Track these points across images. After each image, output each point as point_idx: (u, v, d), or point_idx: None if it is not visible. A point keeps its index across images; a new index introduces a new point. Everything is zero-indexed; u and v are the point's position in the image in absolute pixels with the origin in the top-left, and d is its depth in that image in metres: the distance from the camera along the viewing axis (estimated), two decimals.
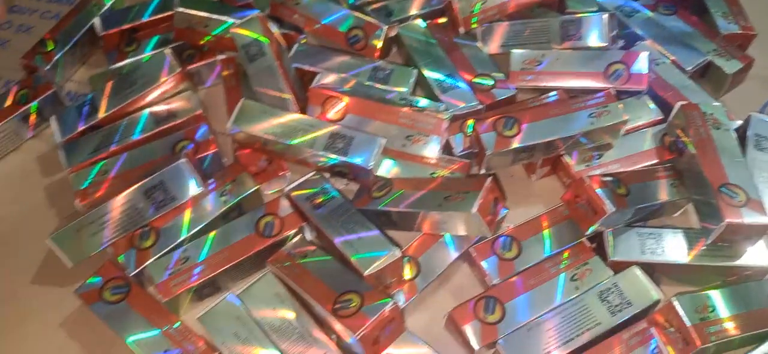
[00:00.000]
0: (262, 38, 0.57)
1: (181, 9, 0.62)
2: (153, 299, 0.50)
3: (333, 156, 0.53)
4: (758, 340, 0.46)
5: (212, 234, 0.52)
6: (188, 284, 0.50)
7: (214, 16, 0.63)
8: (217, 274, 0.51)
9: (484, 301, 0.49)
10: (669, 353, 0.46)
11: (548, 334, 0.47)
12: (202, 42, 0.64)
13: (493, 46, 0.63)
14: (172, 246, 0.52)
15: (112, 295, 0.50)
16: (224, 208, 0.53)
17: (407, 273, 0.51)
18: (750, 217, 0.47)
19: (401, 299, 0.50)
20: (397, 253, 0.48)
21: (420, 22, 0.65)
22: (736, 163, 0.50)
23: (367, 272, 0.47)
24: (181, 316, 0.51)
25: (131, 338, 0.48)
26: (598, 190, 0.49)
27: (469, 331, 0.48)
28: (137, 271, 0.51)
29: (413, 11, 0.67)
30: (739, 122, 0.57)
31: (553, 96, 0.59)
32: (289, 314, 0.49)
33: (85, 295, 0.50)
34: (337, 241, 0.49)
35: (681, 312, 0.45)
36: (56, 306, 0.53)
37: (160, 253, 0.51)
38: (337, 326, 0.46)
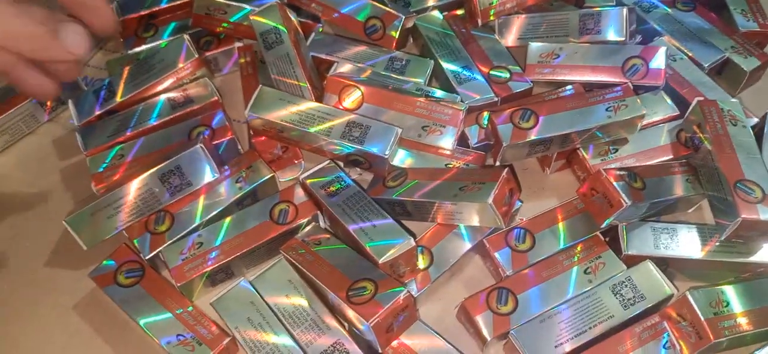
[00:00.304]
0: (280, 26, 0.58)
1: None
2: (167, 283, 0.51)
3: (349, 144, 0.53)
4: None
5: (228, 220, 0.53)
6: (202, 269, 0.50)
7: (233, 3, 0.63)
8: (231, 259, 0.51)
9: (497, 292, 0.49)
10: (681, 347, 0.46)
11: (560, 326, 0.47)
12: (219, 29, 0.65)
13: (510, 39, 0.63)
14: (187, 231, 0.52)
15: (126, 278, 0.50)
16: (239, 195, 0.54)
17: (421, 262, 0.51)
18: (766, 214, 0.47)
19: (414, 288, 0.50)
20: (412, 242, 0.48)
21: (437, 14, 0.65)
22: (753, 160, 0.50)
23: (381, 260, 0.47)
24: (194, 301, 0.52)
25: (144, 321, 0.48)
26: (615, 183, 0.49)
27: (482, 321, 0.48)
28: (152, 255, 0.51)
29: (431, 2, 0.67)
30: (756, 119, 0.57)
31: (570, 90, 0.59)
32: (302, 301, 0.49)
33: (99, 278, 0.50)
34: (352, 228, 0.50)
35: (695, 306, 0.45)
36: (70, 289, 0.53)
37: (175, 238, 0.52)
38: (350, 313, 0.46)
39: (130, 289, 0.50)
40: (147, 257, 0.51)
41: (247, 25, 0.62)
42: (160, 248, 0.51)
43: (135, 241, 0.52)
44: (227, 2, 0.63)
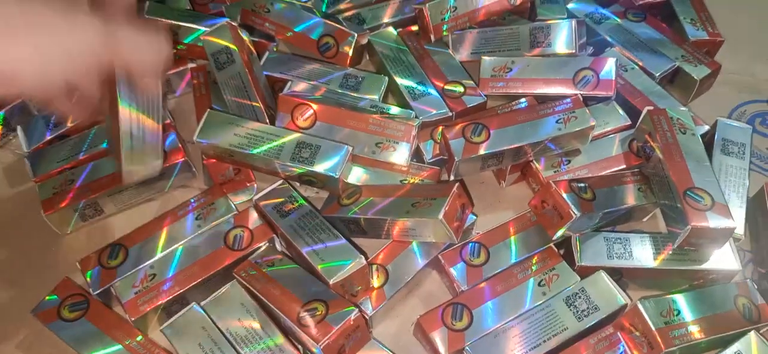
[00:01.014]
0: (232, 46, 0.57)
1: (149, 17, 0.62)
2: (114, 314, 0.50)
3: (299, 166, 0.53)
4: (723, 344, 0.46)
5: (179, 248, 0.52)
6: (156, 302, 0.49)
7: (184, 24, 0.62)
8: (185, 290, 0.50)
9: (452, 307, 0.49)
10: None
11: (515, 340, 0.47)
12: (176, 51, 0.64)
13: (464, 54, 0.63)
14: (142, 266, 0.51)
15: (70, 312, 0.49)
16: (197, 233, 0.53)
17: (375, 281, 0.50)
18: (715, 221, 0.47)
19: (369, 307, 0.49)
20: (363, 261, 0.47)
21: (392, 30, 0.65)
22: (702, 168, 0.50)
23: (332, 281, 0.47)
24: (150, 333, 0.50)
25: None
26: (564, 195, 0.49)
27: (437, 338, 0.48)
28: (101, 290, 0.50)
29: (385, 19, 0.67)
30: (707, 127, 0.57)
31: (524, 103, 0.59)
32: (255, 324, 0.48)
33: (42, 315, 0.49)
34: (304, 250, 0.49)
35: (646, 315, 0.45)
36: (13, 327, 0.51)
37: (128, 273, 0.51)
38: (302, 335, 0.45)
39: (76, 323, 0.48)
40: (96, 292, 0.50)
41: (201, 47, 0.62)
42: (111, 283, 0.50)
43: (87, 274, 0.51)
44: (178, 23, 0.62)
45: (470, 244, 0.52)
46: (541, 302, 0.49)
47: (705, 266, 0.50)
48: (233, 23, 0.60)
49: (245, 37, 0.60)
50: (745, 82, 0.65)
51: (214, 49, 0.58)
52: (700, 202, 0.48)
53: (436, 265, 0.53)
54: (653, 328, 0.45)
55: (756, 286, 0.49)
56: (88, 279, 0.50)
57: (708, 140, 0.57)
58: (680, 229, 0.48)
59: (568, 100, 0.54)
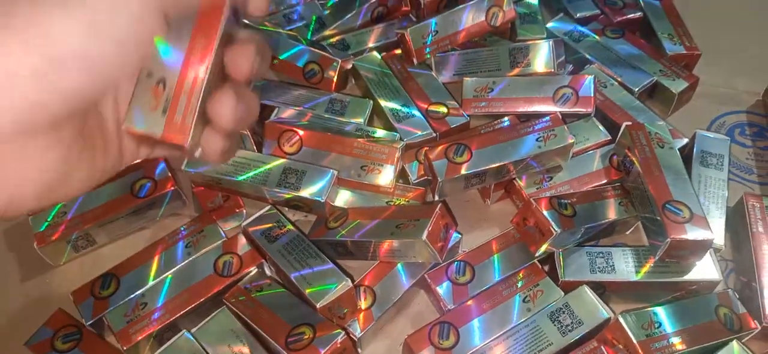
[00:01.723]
0: None
1: None
2: (106, 344, 0.50)
3: (286, 192, 0.54)
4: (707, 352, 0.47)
5: (169, 276, 0.53)
6: (148, 330, 0.50)
7: None
8: (176, 318, 0.51)
9: (439, 326, 0.50)
10: None
11: None
12: None
13: (446, 75, 0.65)
14: (133, 295, 0.52)
15: (63, 343, 0.50)
16: (188, 261, 0.54)
17: (363, 302, 0.51)
18: (693, 233, 0.48)
19: (357, 329, 0.50)
20: (349, 284, 0.48)
21: (376, 54, 0.67)
22: (680, 181, 0.51)
23: (319, 305, 0.48)
24: None
25: None
26: (545, 212, 0.50)
27: None
28: (93, 320, 0.51)
29: (370, 44, 0.68)
30: (685, 140, 0.58)
31: (506, 122, 0.60)
32: (245, 350, 0.49)
33: (36, 347, 0.49)
34: (293, 276, 0.50)
35: (627, 329, 0.46)
36: None
37: (119, 302, 0.52)
38: None
39: None
40: (89, 323, 0.51)
41: None
42: (104, 313, 0.51)
43: (78, 306, 0.51)
44: None
45: (456, 263, 0.53)
46: (526, 318, 0.49)
47: (686, 278, 0.50)
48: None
49: None
50: (724, 94, 0.66)
51: None
52: (679, 215, 0.49)
53: (422, 285, 0.54)
54: (635, 341, 0.46)
55: (737, 296, 0.50)
56: (81, 310, 0.51)
57: (687, 153, 0.58)
58: (661, 242, 0.49)
59: (547, 118, 0.55)
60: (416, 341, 0.49)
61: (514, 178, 0.56)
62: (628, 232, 0.57)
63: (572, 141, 0.53)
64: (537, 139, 0.54)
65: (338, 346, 0.46)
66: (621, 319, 0.46)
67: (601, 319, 0.49)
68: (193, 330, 0.50)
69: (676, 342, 0.46)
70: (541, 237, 0.50)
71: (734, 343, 0.47)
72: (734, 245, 0.55)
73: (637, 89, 0.62)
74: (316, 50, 0.64)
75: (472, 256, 0.53)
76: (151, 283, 0.53)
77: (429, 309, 0.54)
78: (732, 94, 0.66)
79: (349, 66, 0.65)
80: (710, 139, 0.58)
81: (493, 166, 0.53)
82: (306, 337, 0.46)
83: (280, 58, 0.65)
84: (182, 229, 0.56)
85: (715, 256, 0.51)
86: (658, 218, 0.49)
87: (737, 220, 0.55)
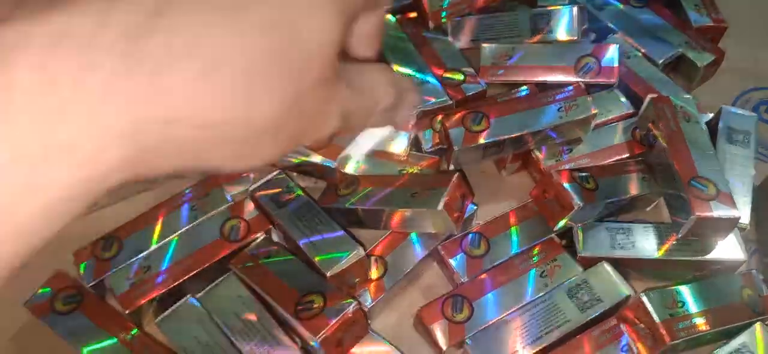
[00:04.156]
0: None
1: None
2: (108, 307, 0.49)
3: (297, 156, 0.52)
4: (728, 335, 0.45)
5: (174, 239, 0.51)
6: (151, 294, 0.48)
7: None
8: (180, 282, 0.49)
9: (452, 299, 0.48)
10: (639, 350, 0.45)
11: (517, 333, 0.46)
12: None
13: (463, 41, 0.62)
14: (136, 258, 0.50)
15: (64, 304, 0.48)
16: (194, 224, 0.52)
17: (374, 272, 0.49)
18: (719, 211, 0.46)
19: (367, 299, 0.48)
20: (361, 253, 0.47)
21: (390, 17, 0.64)
22: (707, 156, 0.49)
23: (330, 273, 0.46)
24: (146, 327, 0.50)
25: (88, 349, 0.46)
26: (566, 185, 0.48)
27: (437, 330, 0.47)
28: (94, 282, 0.49)
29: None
30: (711, 115, 0.56)
31: (525, 91, 0.58)
32: (252, 316, 0.47)
33: (34, 307, 0.48)
34: (301, 242, 0.48)
35: (650, 307, 0.44)
36: (6, 320, 0.51)
37: (122, 265, 0.50)
38: (300, 328, 0.44)
39: (70, 316, 0.47)
40: (90, 284, 0.49)
41: None
42: (105, 275, 0.49)
43: (81, 266, 0.50)
44: None
45: (470, 235, 0.51)
46: (542, 294, 0.48)
47: (709, 257, 0.49)
48: None
49: None
50: (749, 70, 0.64)
51: None
52: (704, 192, 0.47)
53: (435, 257, 0.52)
54: (657, 320, 0.44)
55: (761, 277, 0.48)
56: (82, 271, 0.49)
57: (712, 128, 0.56)
58: (684, 219, 0.47)
59: (570, 87, 0.53)
60: (429, 314, 0.48)
61: (533, 150, 0.54)
62: (648, 209, 0.55)
63: (595, 112, 0.51)
64: (558, 109, 0.52)
65: (349, 315, 0.44)
66: (644, 298, 0.45)
67: (621, 297, 0.47)
68: (198, 295, 0.49)
69: (700, 322, 0.45)
70: (561, 211, 0.48)
71: (757, 325, 0.46)
72: (758, 226, 0.53)
73: (661, 61, 0.59)
74: None
75: (487, 229, 0.51)
76: (154, 246, 0.51)
77: (441, 281, 0.53)
78: (758, 70, 0.64)
79: None
80: (737, 115, 0.56)
81: (513, 135, 0.51)
82: (316, 305, 0.45)
83: None
84: (187, 191, 0.54)
85: (739, 235, 0.50)
86: (683, 194, 0.48)
87: (762, 200, 0.53)
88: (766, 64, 0.65)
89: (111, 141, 0.19)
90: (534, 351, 0.46)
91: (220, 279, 0.50)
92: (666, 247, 0.49)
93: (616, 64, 0.56)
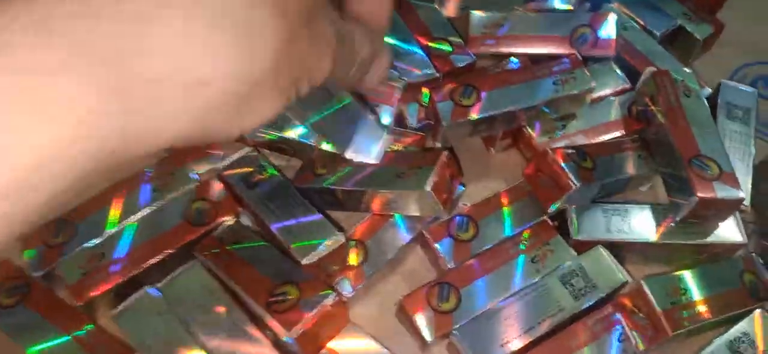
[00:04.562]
0: None
1: None
2: (58, 299, 0.44)
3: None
4: (728, 323, 0.43)
5: (133, 223, 0.46)
6: (106, 284, 0.43)
7: None
8: (139, 272, 0.44)
9: (438, 287, 0.45)
10: (636, 340, 0.43)
11: (507, 323, 0.43)
12: None
13: (450, 8, 0.58)
14: (90, 244, 0.45)
15: (7, 297, 0.43)
16: (155, 207, 0.47)
17: (353, 259, 0.46)
18: (723, 191, 0.43)
19: (347, 288, 0.45)
20: (341, 239, 0.43)
21: None
22: (708, 134, 0.46)
23: (305, 261, 0.42)
24: (101, 320, 0.45)
25: (34, 348, 0.41)
26: (563, 164, 0.44)
27: (421, 321, 0.43)
28: (43, 271, 0.44)
29: None
30: (709, 90, 0.53)
31: (515, 63, 0.54)
32: (219, 309, 0.43)
33: None
34: (275, 227, 0.44)
35: (651, 297, 0.42)
36: None
37: (74, 252, 0.45)
38: (272, 322, 0.40)
39: (14, 310, 0.42)
40: (38, 274, 0.44)
41: None
42: (55, 263, 0.44)
43: (25, 253, 0.44)
44: None
45: (458, 218, 0.47)
46: (534, 280, 0.45)
47: (709, 240, 0.46)
48: None
49: None
50: (747, 43, 0.61)
51: None
52: (706, 172, 0.44)
53: (420, 240, 0.49)
54: (659, 310, 0.41)
55: (761, 261, 0.46)
56: (28, 258, 0.44)
57: (711, 104, 0.53)
58: (684, 200, 0.44)
59: (566, 60, 0.49)
60: (413, 302, 0.44)
61: (525, 126, 0.51)
62: (643, 189, 0.52)
63: (593, 85, 0.48)
64: (554, 83, 0.48)
65: (327, 308, 0.40)
66: (645, 285, 0.42)
67: (617, 283, 0.44)
68: (159, 285, 0.44)
69: (702, 310, 0.42)
70: (557, 191, 0.45)
71: (757, 312, 0.43)
72: (756, 206, 0.51)
73: (659, 33, 0.56)
74: None
75: (475, 211, 0.48)
76: (111, 230, 0.46)
77: (425, 266, 0.49)
78: (755, 42, 0.61)
79: None
80: (737, 90, 0.53)
81: (506, 110, 0.47)
82: (290, 297, 0.41)
83: None
84: (148, 170, 0.49)
85: (739, 217, 0.47)
86: (683, 174, 0.45)
87: (761, 179, 0.51)
88: (764, 37, 0.62)
89: (95, 99, 0.18)
90: (525, 342, 0.43)
91: (184, 267, 0.45)
92: (663, 230, 0.46)
93: (613, 36, 0.52)
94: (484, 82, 0.48)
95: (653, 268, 0.47)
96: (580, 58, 0.50)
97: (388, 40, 0.55)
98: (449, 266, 0.46)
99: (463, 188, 0.48)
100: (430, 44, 0.55)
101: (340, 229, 0.44)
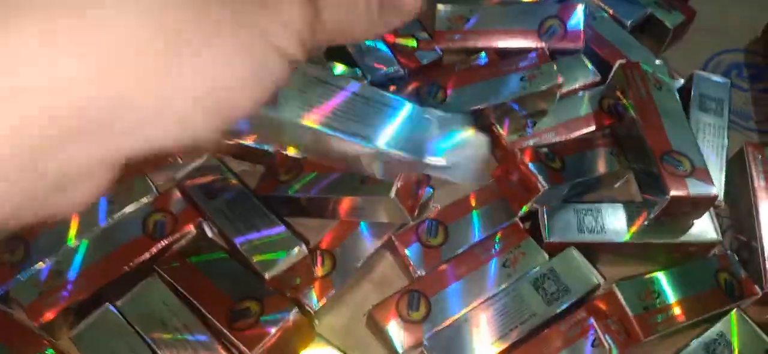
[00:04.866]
0: None
1: None
2: (14, 322, 0.42)
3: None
4: (704, 324, 0.42)
5: (90, 238, 0.44)
6: (64, 303, 0.41)
7: None
8: (98, 289, 0.43)
9: (407, 295, 0.43)
10: (610, 345, 0.42)
11: (479, 331, 0.42)
12: None
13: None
14: (46, 262, 0.43)
15: None
16: (113, 221, 0.45)
17: (320, 269, 0.44)
18: (695, 188, 0.42)
19: (314, 300, 0.43)
20: (304, 251, 0.41)
21: None
22: (680, 128, 0.45)
23: (268, 275, 0.40)
24: (61, 342, 0.43)
25: None
26: (531, 165, 0.43)
27: (391, 331, 0.42)
28: None
29: None
30: (681, 81, 0.52)
31: (483, 58, 0.52)
32: (180, 326, 0.41)
33: None
34: (237, 241, 0.42)
35: (623, 301, 0.41)
36: None
37: (30, 271, 0.43)
38: (234, 340, 0.39)
39: None
40: None
41: None
42: (10, 283, 0.42)
43: None
44: None
45: (427, 222, 0.46)
46: (505, 286, 0.43)
47: (683, 238, 0.45)
48: None
49: None
50: (719, 30, 0.60)
51: None
52: (679, 168, 0.43)
53: (389, 246, 0.47)
54: (631, 315, 0.40)
55: (737, 258, 0.45)
56: None
57: (683, 96, 0.52)
58: (657, 198, 0.43)
59: (533, 54, 0.48)
60: (382, 312, 0.43)
61: (494, 124, 0.49)
62: (616, 185, 0.51)
63: (561, 81, 0.46)
64: (521, 79, 0.47)
65: (290, 324, 0.39)
66: (616, 290, 0.41)
67: (590, 286, 0.43)
68: (118, 303, 0.43)
69: (677, 313, 0.41)
70: (525, 194, 0.43)
71: (734, 313, 0.42)
72: (731, 200, 0.50)
73: (629, 22, 0.55)
74: None
75: (445, 214, 0.46)
76: (67, 246, 0.44)
77: (396, 273, 0.48)
78: (728, 29, 0.60)
79: None
80: (710, 81, 0.52)
81: (472, 109, 0.46)
82: (252, 313, 0.39)
83: None
84: None
85: (713, 214, 0.46)
86: (655, 171, 0.44)
87: (735, 173, 0.50)
88: (736, 24, 0.61)
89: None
90: (498, 350, 0.41)
91: (143, 283, 0.43)
92: (637, 229, 0.45)
93: (581, 27, 0.51)
94: (450, 80, 0.46)
95: (628, 268, 0.46)
96: (547, 52, 0.48)
97: None
98: (419, 273, 0.45)
99: (432, 191, 0.47)
100: (395, 41, 0.53)
101: (304, 240, 0.42)
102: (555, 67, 0.47)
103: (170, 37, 0.18)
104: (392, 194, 0.41)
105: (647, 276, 0.42)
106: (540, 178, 0.43)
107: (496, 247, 0.45)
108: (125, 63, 0.17)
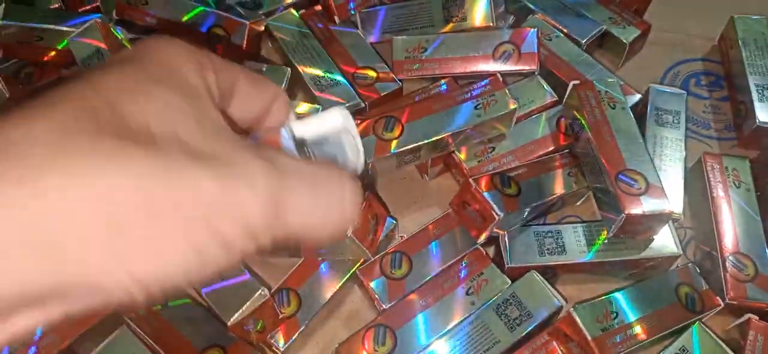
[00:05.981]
0: (103, 46, 0.49)
1: (5, 22, 0.53)
2: None
3: None
4: (666, 339, 0.43)
5: None
6: None
7: (50, 27, 0.54)
8: (69, 343, 0.43)
9: (373, 330, 0.44)
10: None
11: None
12: (45, 58, 0.55)
13: (374, 34, 0.57)
14: None
15: None
16: None
17: (285, 310, 0.44)
18: (650, 205, 0.43)
19: (280, 342, 0.44)
20: (265, 294, 0.42)
21: (293, 13, 0.58)
22: (634, 145, 0.46)
23: (230, 322, 0.41)
24: None
25: None
26: (486, 194, 0.44)
27: None
28: None
29: (286, 1, 0.59)
30: (638, 96, 0.53)
31: (444, 86, 0.53)
32: None
33: None
34: (204, 291, 0.43)
35: (581, 324, 0.41)
36: None
37: None
38: None
39: None
40: None
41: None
42: None
43: None
44: (41, 26, 0.54)
45: (391, 255, 0.46)
46: (469, 315, 0.44)
47: (643, 255, 0.46)
48: (104, 20, 0.52)
49: (120, 34, 0.52)
50: (676, 41, 0.61)
51: (84, 53, 0.50)
52: (633, 186, 0.44)
53: (356, 280, 0.48)
54: (589, 338, 0.41)
55: (698, 269, 0.46)
56: None
57: (640, 110, 0.52)
58: (614, 216, 0.44)
59: (486, 81, 0.48)
60: (349, 350, 0.43)
61: (453, 151, 0.50)
62: (578, 203, 0.52)
63: (514, 106, 0.47)
64: (475, 107, 0.47)
65: None
66: (574, 313, 0.41)
67: (553, 309, 0.44)
68: None
69: (637, 332, 0.42)
70: (482, 222, 0.44)
71: (696, 326, 0.43)
72: (693, 211, 0.51)
73: (584, 41, 0.55)
74: (220, 13, 0.55)
75: (408, 245, 0.47)
76: None
77: (365, 306, 0.48)
78: (685, 39, 0.61)
79: (262, 28, 0.56)
80: (666, 94, 0.52)
81: (428, 141, 0.46)
82: None
83: (182, 21, 0.56)
84: None
85: (673, 228, 0.47)
86: (611, 190, 0.44)
87: (695, 183, 0.50)
88: (693, 33, 0.61)
89: None
90: None
91: (113, 335, 0.44)
92: (597, 248, 0.46)
93: (535, 50, 0.51)
94: (405, 112, 0.47)
95: (589, 288, 0.46)
96: (501, 78, 0.49)
97: (311, 71, 0.54)
98: (384, 306, 0.45)
99: (394, 222, 0.48)
100: (355, 73, 0.54)
101: (264, 284, 0.43)
102: (508, 93, 0.47)
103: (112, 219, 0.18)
104: (349, 233, 0.42)
105: (605, 297, 0.43)
106: (495, 207, 0.43)
107: (459, 275, 0.46)
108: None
